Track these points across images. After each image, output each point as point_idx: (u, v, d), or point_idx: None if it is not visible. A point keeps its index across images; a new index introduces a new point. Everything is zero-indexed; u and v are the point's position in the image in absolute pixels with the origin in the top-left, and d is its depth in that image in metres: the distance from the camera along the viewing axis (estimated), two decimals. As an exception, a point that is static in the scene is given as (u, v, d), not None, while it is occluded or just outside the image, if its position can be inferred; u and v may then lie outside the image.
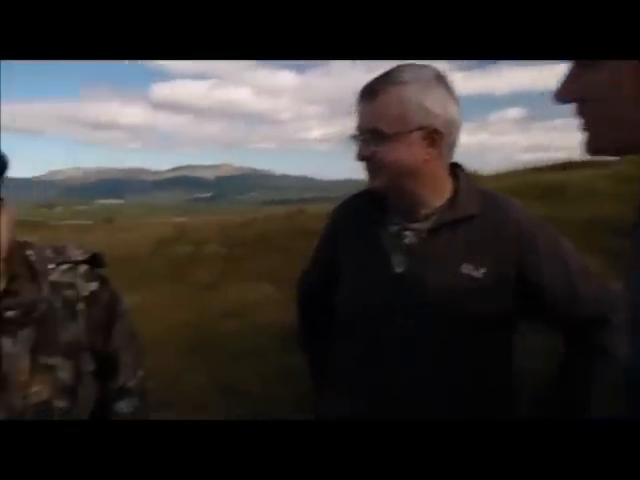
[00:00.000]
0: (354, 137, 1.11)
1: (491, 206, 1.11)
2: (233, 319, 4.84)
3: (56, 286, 0.98)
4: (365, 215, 1.19)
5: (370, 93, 1.08)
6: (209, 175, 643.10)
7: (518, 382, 1.20)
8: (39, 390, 0.94)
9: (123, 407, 1.10)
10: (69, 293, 1.00)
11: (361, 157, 1.11)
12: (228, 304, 5.24)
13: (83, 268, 1.03)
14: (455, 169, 1.16)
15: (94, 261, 1.05)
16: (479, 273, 1.06)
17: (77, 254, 1.03)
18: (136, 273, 6.44)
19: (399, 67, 1.09)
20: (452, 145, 1.11)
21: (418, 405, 1.07)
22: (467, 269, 1.06)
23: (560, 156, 8.96)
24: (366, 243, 1.16)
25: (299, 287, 1.43)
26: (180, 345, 4.27)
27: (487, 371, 1.11)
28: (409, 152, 1.06)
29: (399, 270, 1.10)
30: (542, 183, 6.30)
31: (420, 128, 1.05)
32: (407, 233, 1.12)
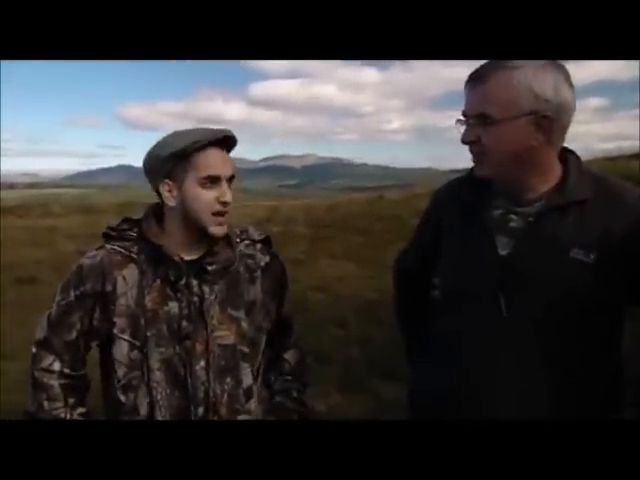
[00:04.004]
0: (460, 121, 1.02)
1: (605, 191, 0.99)
2: (319, 292, 4.97)
3: (241, 255, 1.15)
4: (468, 198, 1.10)
5: (480, 77, 0.98)
6: (296, 164, 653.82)
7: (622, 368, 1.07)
8: (225, 335, 1.09)
9: (290, 357, 1.28)
10: (250, 262, 1.16)
11: (466, 141, 1.01)
12: (314, 278, 5.36)
13: (259, 245, 1.19)
14: (565, 154, 1.05)
15: (267, 241, 1.21)
16: (590, 258, 0.95)
17: (256, 235, 1.20)
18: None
19: None
20: (563, 130, 0.99)
21: (516, 386, 0.99)
22: (577, 254, 0.96)
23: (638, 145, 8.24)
24: (470, 224, 1.08)
25: (397, 264, 1.36)
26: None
27: (592, 356, 1.00)
28: (516, 138, 0.96)
29: (504, 252, 1.02)
30: (620, 171, 5.88)
31: (529, 113, 0.94)
32: (512, 217, 1.04)
